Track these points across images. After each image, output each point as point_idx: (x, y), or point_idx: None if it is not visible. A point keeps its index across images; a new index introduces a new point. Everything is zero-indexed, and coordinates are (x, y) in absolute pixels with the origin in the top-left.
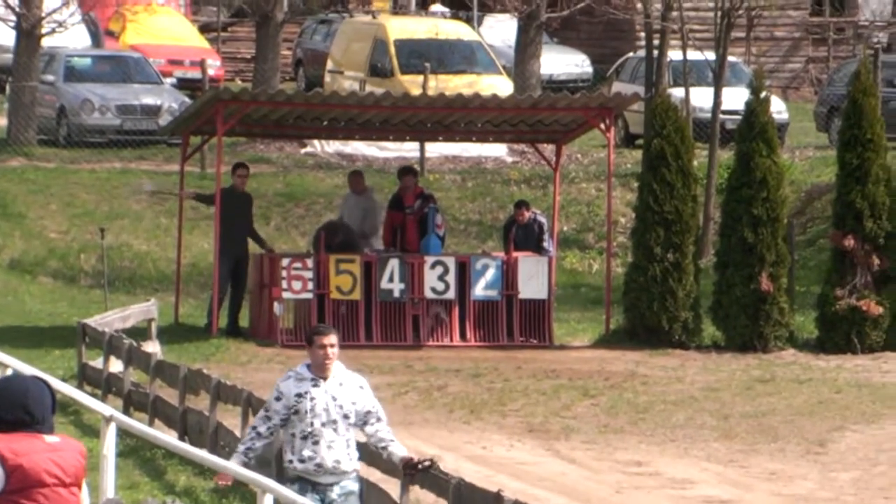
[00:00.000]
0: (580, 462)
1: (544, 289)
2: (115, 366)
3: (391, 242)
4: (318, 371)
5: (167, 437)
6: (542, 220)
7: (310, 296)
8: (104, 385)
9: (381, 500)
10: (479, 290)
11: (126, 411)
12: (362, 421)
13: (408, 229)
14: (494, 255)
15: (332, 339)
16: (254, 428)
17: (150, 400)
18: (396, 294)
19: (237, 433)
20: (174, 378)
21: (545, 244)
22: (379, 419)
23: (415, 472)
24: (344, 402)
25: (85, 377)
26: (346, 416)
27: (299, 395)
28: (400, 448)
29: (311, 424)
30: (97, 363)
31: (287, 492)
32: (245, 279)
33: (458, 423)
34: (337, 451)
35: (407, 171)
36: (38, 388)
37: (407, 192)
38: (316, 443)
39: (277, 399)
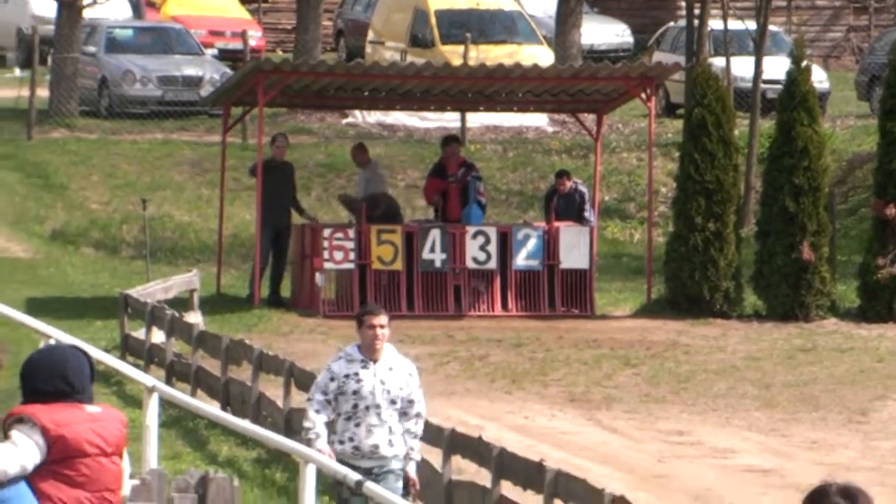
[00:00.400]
0: (622, 431)
1: (585, 258)
2: (158, 336)
3: (436, 207)
4: (368, 352)
5: (209, 407)
6: (584, 189)
7: (351, 266)
8: (146, 356)
9: (423, 468)
10: (521, 259)
11: (168, 382)
12: (403, 411)
13: (450, 197)
14: (536, 225)
15: (383, 319)
16: (311, 400)
17: (193, 370)
18: (438, 264)
19: (279, 403)
20: (216, 348)
21: (586, 214)
22: (418, 415)
23: (407, 494)
24: (392, 386)
25: (127, 348)
26: (392, 402)
27: (346, 376)
28: (412, 462)
29: (356, 406)
30: (139, 334)
31: (330, 461)
32: (286, 250)
33: (499, 392)
34: (377, 435)
35: (451, 140)
36: (77, 357)
37: (450, 160)
38: (357, 425)
39: (332, 380)
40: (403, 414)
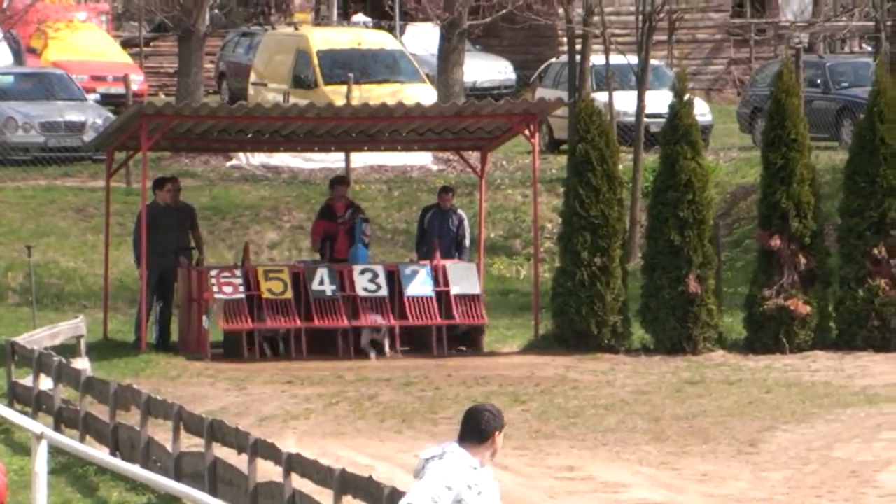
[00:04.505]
0: (512, 468)
1: (476, 286)
2: (45, 383)
3: (321, 251)
4: None
5: (99, 453)
6: (463, 215)
7: (242, 296)
8: (34, 403)
9: None
10: (412, 289)
11: (57, 428)
12: None
13: (338, 239)
14: (422, 262)
15: None
16: None
17: (81, 416)
18: (329, 293)
19: (169, 448)
20: (104, 394)
21: (466, 242)
22: None
23: None
24: None
25: (15, 395)
26: None
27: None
28: None
29: None
30: (27, 381)
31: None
32: (172, 293)
33: (389, 432)
34: None
35: (339, 181)
36: None
37: (338, 201)
38: None
39: None
40: None
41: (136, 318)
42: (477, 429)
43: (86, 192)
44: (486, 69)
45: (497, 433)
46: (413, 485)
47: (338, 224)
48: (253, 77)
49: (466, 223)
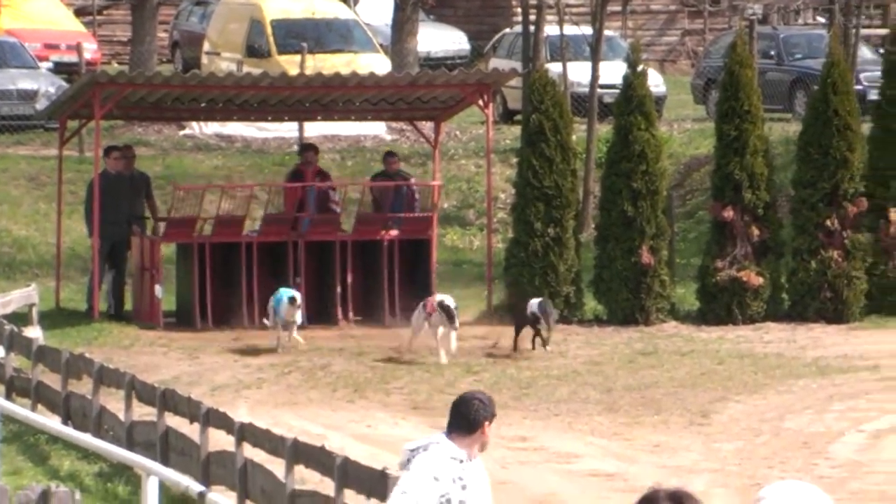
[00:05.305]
0: None
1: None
2: None
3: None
4: None
5: (51, 421)
6: (412, 178)
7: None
8: None
9: (266, 479)
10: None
11: (8, 397)
12: None
13: (307, 206)
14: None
15: None
16: None
17: (33, 385)
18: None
19: (121, 417)
20: (56, 363)
21: (415, 204)
22: None
23: None
24: None
25: None
26: None
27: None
28: None
29: None
30: None
31: (171, 473)
32: (125, 261)
33: (342, 402)
34: None
35: (309, 147)
36: None
37: (308, 167)
38: None
39: None
40: None
41: (88, 287)
42: (466, 418)
43: (38, 161)
44: (440, 39)
45: (487, 423)
46: (401, 478)
47: (306, 190)
48: (206, 46)
49: (416, 192)
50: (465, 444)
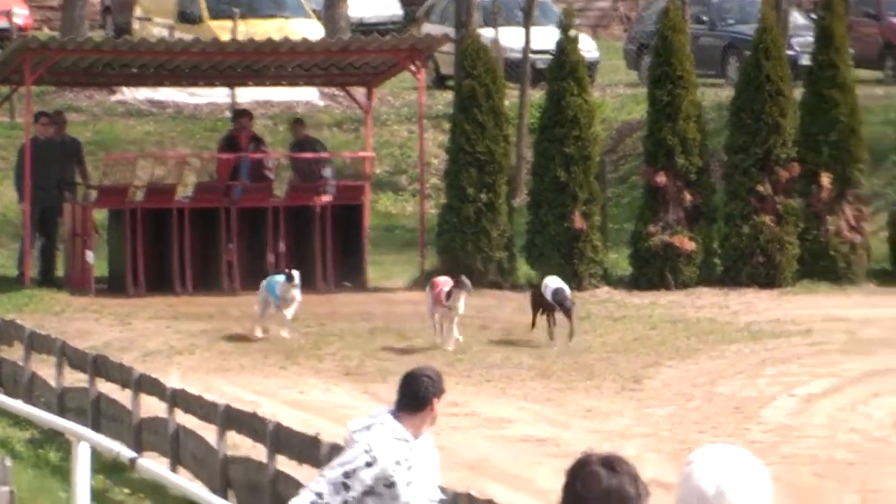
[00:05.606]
0: None
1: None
2: None
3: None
4: None
5: None
6: (323, 144)
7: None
8: None
9: (198, 445)
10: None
11: None
12: None
13: (242, 171)
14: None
15: None
16: None
17: None
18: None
19: (52, 383)
20: None
21: (325, 172)
22: None
23: None
24: None
25: None
26: None
27: None
28: None
29: None
30: None
31: (102, 439)
32: (56, 227)
33: (274, 368)
34: None
35: (243, 113)
36: None
37: (242, 132)
38: None
39: None
40: None
41: (19, 253)
42: (415, 395)
43: None
44: (372, 5)
45: (435, 399)
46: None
47: (240, 157)
48: (138, 11)
49: (347, 155)
50: (414, 422)
